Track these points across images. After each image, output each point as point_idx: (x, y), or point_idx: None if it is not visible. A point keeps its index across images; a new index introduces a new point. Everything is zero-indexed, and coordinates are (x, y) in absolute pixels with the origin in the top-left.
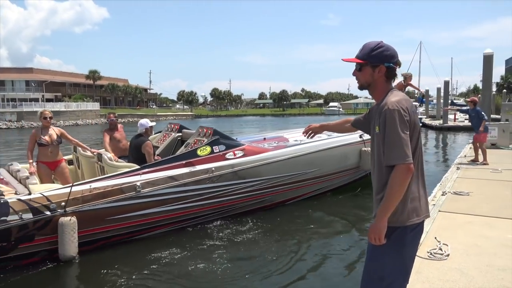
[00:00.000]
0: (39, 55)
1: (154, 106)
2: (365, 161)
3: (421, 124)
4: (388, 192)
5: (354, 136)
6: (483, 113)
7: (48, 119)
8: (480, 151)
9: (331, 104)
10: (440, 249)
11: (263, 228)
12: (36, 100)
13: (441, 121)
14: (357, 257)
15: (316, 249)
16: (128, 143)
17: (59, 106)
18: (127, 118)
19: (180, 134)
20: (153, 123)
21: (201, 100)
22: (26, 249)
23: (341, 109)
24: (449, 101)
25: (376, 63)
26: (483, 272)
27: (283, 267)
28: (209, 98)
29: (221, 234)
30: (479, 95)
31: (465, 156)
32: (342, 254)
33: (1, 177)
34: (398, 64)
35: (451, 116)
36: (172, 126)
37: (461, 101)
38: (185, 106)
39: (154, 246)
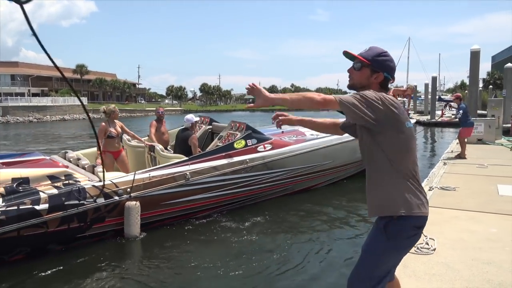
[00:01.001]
0: (24, 49)
1: (142, 101)
2: None
3: (414, 121)
4: (301, 95)
5: None
6: (460, 110)
7: (114, 113)
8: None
9: None
10: (427, 243)
11: (268, 220)
12: (22, 94)
13: (428, 117)
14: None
15: (321, 239)
16: (169, 136)
17: (45, 101)
18: None
19: (211, 126)
20: (197, 118)
21: (190, 95)
22: (99, 229)
23: None
24: (437, 96)
25: (378, 69)
26: (469, 265)
27: (284, 258)
28: (199, 93)
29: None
30: (466, 91)
31: (452, 151)
32: (347, 242)
33: (64, 163)
34: (393, 78)
35: (438, 112)
36: (203, 119)
37: (448, 96)
38: (174, 101)
39: (197, 230)
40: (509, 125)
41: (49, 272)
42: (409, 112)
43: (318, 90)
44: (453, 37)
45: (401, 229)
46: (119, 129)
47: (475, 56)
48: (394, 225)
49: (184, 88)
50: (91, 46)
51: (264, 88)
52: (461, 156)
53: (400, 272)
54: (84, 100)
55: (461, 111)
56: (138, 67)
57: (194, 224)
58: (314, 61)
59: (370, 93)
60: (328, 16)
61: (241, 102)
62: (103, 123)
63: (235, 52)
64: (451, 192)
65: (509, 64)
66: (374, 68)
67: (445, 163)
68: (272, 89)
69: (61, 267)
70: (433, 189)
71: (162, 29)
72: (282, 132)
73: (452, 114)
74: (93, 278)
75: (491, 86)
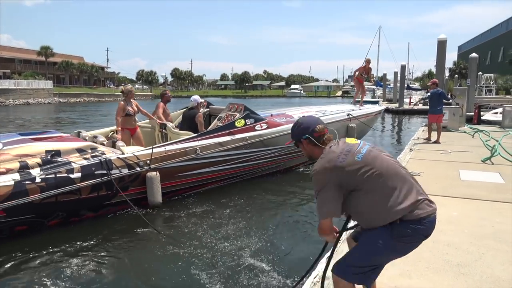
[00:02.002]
0: None
1: (111, 86)
2: (350, 136)
3: (384, 108)
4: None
5: (342, 114)
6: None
7: (131, 93)
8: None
9: (292, 86)
10: None
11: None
12: None
13: (397, 105)
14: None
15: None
16: (171, 117)
17: (7, 84)
18: (83, 97)
19: (208, 109)
20: (202, 100)
21: (161, 80)
22: (123, 197)
23: (302, 92)
24: (405, 85)
25: (298, 138)
26: (430, 247)
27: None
28: (170, 79)
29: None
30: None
31: (418, 138)
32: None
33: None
34: (316, 132)
35: (406, 100)
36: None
37: (416, 85)
38: (144, 86)
39: (213, 199)
40: (472, 113)
41: (80, 238)
42: (378, 100)
43: (291, 77)
44: (422, 27)
45: (406, 233)
46: (136, 108)
47: (441, 46)
48: (399, 227)
49: (155, 73)
50: (57, 27)
51: (236, 74)
52: (428, 140)
53: None
54: (50, 83)
55: (428, 94)
56: (107, 50)
57: (205, 195)
58: (287, 48)
59: (317, 179)
60: (301, 2)
61: (213, 88)
62: (122, 102)
63: (208, 37)
64: (416, 177)
65: (473, 54)
66: (297, 140)
67: (411, 149)
68: (245, 75)
69: (94, 234)
70: None
71: (133, 12)
72: (271, 115)
73: (420, 103)
74: (123, 244)
75: (456, 76)
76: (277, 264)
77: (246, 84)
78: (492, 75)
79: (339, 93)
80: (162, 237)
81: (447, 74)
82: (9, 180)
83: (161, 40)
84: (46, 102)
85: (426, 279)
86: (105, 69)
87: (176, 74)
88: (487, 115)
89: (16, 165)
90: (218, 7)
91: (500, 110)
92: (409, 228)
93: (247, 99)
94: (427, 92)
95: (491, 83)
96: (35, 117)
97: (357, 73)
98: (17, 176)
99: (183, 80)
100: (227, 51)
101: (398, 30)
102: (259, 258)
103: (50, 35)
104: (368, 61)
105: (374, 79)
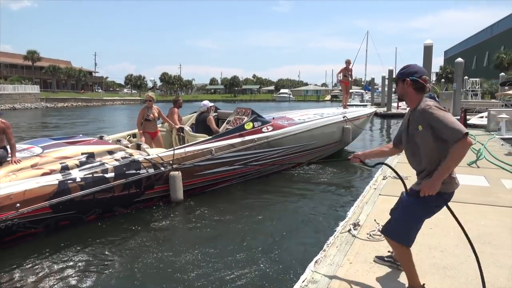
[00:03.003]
0: None
1: (100, 90)
2: (346, 136)
3: (374, 110)
4: (450, 159)
5: (338, 117)
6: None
7: (151, 100)
8: None
9: (282, 90)
10: (379, 230)
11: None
12: None
13: (385, 109)
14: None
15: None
16: (183, 121)
17: None
18: (70, 102)
19: (216, 113)
20: (212, 104)
21: (150, 84)
22: (149, 195)
23: (291, 96)
24: (393, 89)
25: (403, 78)
26: (416, 251)
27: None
28: (159, 83)
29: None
30: None
31: None
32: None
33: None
34: (423, 79)
35: (394, 104)
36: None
37: None
38: (133, 91)
39: (227, 197)
40: (459, 117)
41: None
42: (367, 104)
43: (280, 81)
44: (409, 32)
45: (437, 201)
46: (156, 114)
47: (428, 50)
48: (435, 197)
49: (144, 77)
50: (44, 31)
51: (226, 78)
52: None
53: (352, 259)
54: (36, 88)
55: None
56: (95, 55)
57: (218, 192)
58: (276, 52)
59: (446, 113)
60: (290, 7)
61: (203, 92)
62: (142, 108)
63: (197, 42)
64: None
65: (459, 59)
66: (401, 78)
67: (399, 154)
68: (234, 80)
69: (126, 226)
70: (386, 178)
71: (121, 15)
72: (273, 118)
73: (407, 107)
74: (151, 236)
75: (443, 80)
76: (278, 263)
77: (236, 89)
78: (477, 79)
79: (328, 97)
80: (179, 235)
81: (433, 78)
82: (53, 180)
83: (149, 44)
84: (33, 107)
85: None
86: (93, 73)
87: (165, 78)
88: (473, 119)
89: (58, 166)
90: (207, 12)
91: (485, 114)
92: (443, 200)
93: (237, 104)
94: None
95: (477, 87)
96: (26, 122)
97: (340, 75)
98: (60, 176)
99: (172, 84)
100: (216, 55)
101: (386, 35)
102: (259, 257)
103: (36, 39)
104: (348, 62)
105: (363, 81)
